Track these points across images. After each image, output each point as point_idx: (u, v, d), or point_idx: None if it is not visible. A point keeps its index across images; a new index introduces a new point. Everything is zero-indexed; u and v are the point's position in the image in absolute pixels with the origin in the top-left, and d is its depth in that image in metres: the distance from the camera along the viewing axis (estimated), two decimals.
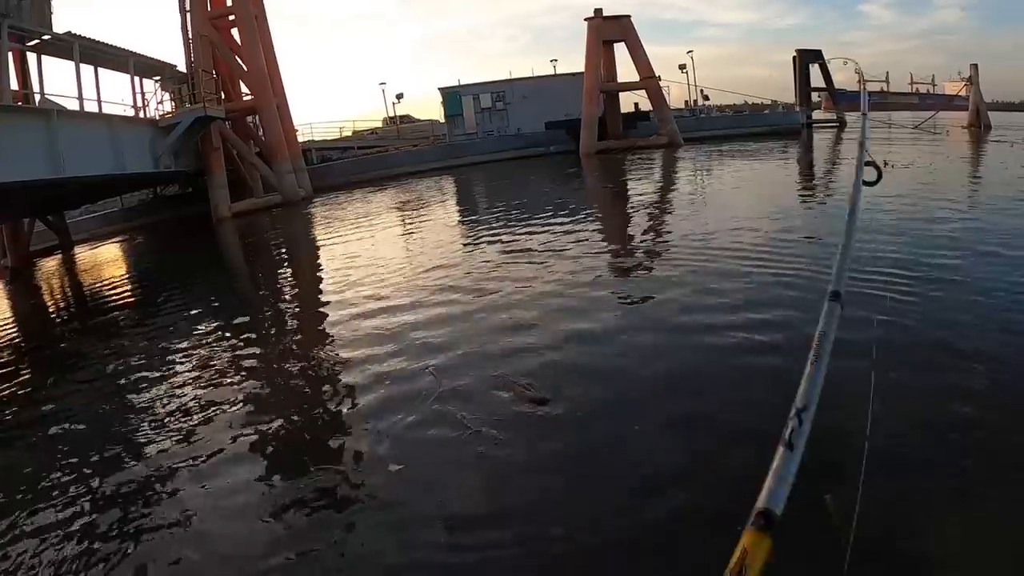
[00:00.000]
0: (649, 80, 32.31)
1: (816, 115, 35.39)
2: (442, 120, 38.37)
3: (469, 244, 12.72)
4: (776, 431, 1.23)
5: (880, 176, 2.55)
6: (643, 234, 12.43)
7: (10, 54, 16.48)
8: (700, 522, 3.49)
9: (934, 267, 7.44)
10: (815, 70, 34.82)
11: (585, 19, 32.43)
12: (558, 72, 37.10)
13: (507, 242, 12.09)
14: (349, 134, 41.07)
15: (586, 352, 6.18)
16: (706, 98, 39.97)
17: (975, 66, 30.36)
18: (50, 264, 18.82)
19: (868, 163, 2.63)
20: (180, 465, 5.02)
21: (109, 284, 14.08)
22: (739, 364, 5.49)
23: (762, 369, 5.28)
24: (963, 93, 33.13)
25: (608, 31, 32.24)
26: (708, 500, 3.66)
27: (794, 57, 35.41)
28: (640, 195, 18.06)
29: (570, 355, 6.13)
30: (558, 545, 3.55)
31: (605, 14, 32.17)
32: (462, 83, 37.07)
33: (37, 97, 17.36)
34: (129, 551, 4.01)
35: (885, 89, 45.16)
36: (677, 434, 4.49)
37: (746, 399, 4.81)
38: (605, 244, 11.29)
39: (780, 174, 19.66)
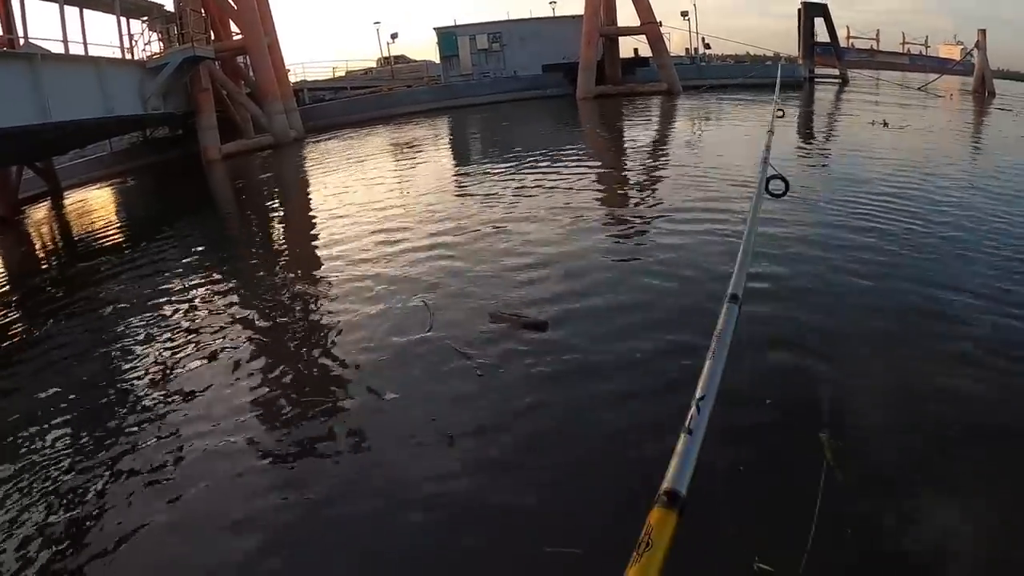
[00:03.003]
0: (650, 25, 31.43)
1: (819, 70, 34.58)
2: (437, 61, 37.50)
3: (465, 183, 12.92)
4: None
5: (787, 188, 2.57)
6: (634, 173, 12.89)
7: None
8: None
9: None
10: (820, 24, 33.82)
11: None
12: (557, 14, 36.07)
13: (502, 179, 12.37)
14: (342, 74, 40.19)
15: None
16: (707, 46, 39.04)
17: (983, 31, 29.37)
18: (40, 212, 18.60)
19: (775, 176, 2.60)
20: (176, 395, 5.43)
21: (101, 230, 14.06)
22: None
23: None
24: (958, 57, 32.30)
25: None
26: None
27: (799, 9, 34.31)
28: (635, 140, 18.19)
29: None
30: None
31: None
32: (458, 23, 36.10)
33: (21, 42, 16.82)
34: (135, 482, 4.27)
35: (874, 47, 43.94)
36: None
37: None
38: (598, 180, 11.51)
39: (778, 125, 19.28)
